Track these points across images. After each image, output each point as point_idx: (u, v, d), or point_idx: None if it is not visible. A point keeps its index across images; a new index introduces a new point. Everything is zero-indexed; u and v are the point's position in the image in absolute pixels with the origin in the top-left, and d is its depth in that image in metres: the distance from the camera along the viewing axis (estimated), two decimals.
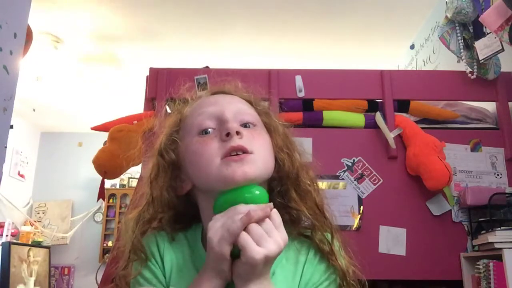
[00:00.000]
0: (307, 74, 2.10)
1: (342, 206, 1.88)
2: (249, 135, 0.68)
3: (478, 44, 1.99)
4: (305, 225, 0.73)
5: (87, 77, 4.37)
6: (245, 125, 0.71)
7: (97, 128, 2.08)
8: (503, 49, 1.94)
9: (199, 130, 0.70)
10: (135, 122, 2.02)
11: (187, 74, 2.12)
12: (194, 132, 0.70)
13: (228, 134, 0.66)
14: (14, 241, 4.78)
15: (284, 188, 0.73)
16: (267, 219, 0.60)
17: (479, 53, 1.97)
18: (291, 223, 0.72)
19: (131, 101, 3.63)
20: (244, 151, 0.65)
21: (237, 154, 0.65)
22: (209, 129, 0.69)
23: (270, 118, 0.78)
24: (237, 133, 0.66)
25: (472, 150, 2.01)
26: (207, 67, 2.33)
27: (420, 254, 1.85)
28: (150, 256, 0.71)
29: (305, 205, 0.72)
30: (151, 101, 2.14)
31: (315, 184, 0.75)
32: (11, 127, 1.03)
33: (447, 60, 2.65)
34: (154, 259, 0.71)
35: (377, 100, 2.10)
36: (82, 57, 3.97)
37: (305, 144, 0.82)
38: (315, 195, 0.74)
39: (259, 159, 0.67)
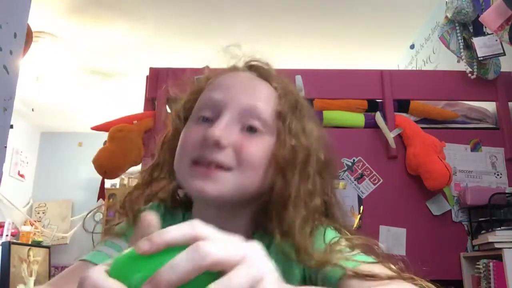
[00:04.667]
0: (307, 74, 2.10)
1: None
2: (238, 145, 0.58)
3: (477, 41, 1.99)
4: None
5: (87, 77, 4.37)
6: (248, 128, 0.60)
7: (97, 128, 2.08)
8: (504, 53, 1.94)
9: (198, 115, 0.62)
10: (135, 122, 2.02)
11: (187, 74, 2.12)
12: (195, 114, 0.63)
13: (207, 139, 0.56)
14: (14, 241, 4.78)
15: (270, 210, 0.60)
16: None
17: (478, 50, 1.97)
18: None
19: (131, 101, 3.63)
20: (218, 166, 0.56)
21: (207, 165, 0.56)
22: (209, 117, 0.61)
23: (296, 118, 0.63)
24: (218, 144, 0.56)
25: (472, 150, 2.01)
26: (207, 67, 2.32)
27: (420, 254, 1.85)
28: (131, 226, 0.65)
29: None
30: (151, 101, 2.14)
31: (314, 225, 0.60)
32: (11, 127, 1.03)
33: (447, 60, 2.65)
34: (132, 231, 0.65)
35: (377, 100, 2.10)
36: (81, 55, 3.97)
37: None
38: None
39: (236, 178, 0.57)
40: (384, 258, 0.56)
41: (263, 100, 0.62)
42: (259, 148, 0.59)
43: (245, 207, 0.62)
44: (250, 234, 0.64)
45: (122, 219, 0.68)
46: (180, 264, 0.28)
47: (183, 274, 0.28)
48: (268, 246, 0.60)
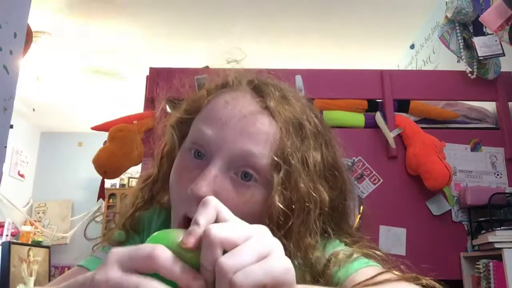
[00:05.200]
0: (307, 74, 2.10)
1: None
2: (226, 203, 0.45)
3: (477, 41, 1.99)
4: None
5: (87, 77, 4.37)
6: (242, 174, 0.53)
7: (97, 128, 2.08)
8: (503, 54, 1.95)
9: (189, 147, 0.56)
10: (135, 122, 2.02)
11: (187, 74, 2.11)
12: (187, 142, 0.58)
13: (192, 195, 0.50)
14: (14, 241, 4.78)
15: None
16: None
17: (478, 49, 1.98)
18: None
19: (131, 101, 3.63)
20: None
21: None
22: (200, 153, 0.55)
23: (297, 155, 0.55)
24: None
25: (472, 150, 2.01)
26: (207, 67, 2.33)
27: (420, 254, 1.85)
28: (132, 235, 0.65)
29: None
30: (151, 101, 2.14)
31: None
32: (11, 127, 1.03)
33: (447, 60, 2.65)
34: (133, 239, 0.66)
35: (377, 100, 2.10)
36: (81, 55, 3.97)
37: None
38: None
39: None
40: (386, 262, 0.55)
41: (260, 142, 0.53)
42: (251, 203, 0.53)
43: None
44: None
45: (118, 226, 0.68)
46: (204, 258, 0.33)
47: (206, 260, 0.32)
48: None
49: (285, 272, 0.33)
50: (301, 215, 0.54)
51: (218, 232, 0.32)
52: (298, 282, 0.44)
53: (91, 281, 0.33)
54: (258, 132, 0.54)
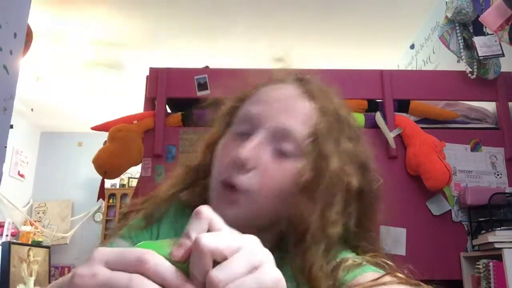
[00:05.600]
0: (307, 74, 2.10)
1: None
2: (264, 169, 0.56)
3: (478, 41, 1.99)
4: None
5: (87, 77, 4.37)
6: (280, 151, 0.58)
7: (97, 128, 2.08)
8: (503, 54, 1.95)
9: (234, 130, 0.62)
10: (135, 122, 2.02)
11: (187, 74, 2.12)
12: (233, 127, 0.63)
13: (235, 160, 0.56)
14: (14, 241, 4.78)
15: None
16: None
17: (479, 49, 1.98)
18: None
19: (131, 101, 3.63)
20: (240, 189, 0.55)
21: (232, 189, 0.56)
22: (243, 132, 0.60)
23: (331, 138, 0.59)
24: (243, 166, 0.56)
25: (472, 150, 2.01)
26: (207, 67, 2.33)
27: (420, 254, 1.85)
28: (151, 224, 0.65)
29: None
30: (151, 101, 2.14)
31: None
32: (11, 127, 1.03)
33: (447, 60, 2.65)
34: (152, 228, 0.65)
35: (377, 100, 2.10)
36: (81, 55, 3.97)
37: None
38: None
39: (254, 203, 0.56)
40: (392, 268, 0.56)
41: (300, 121, 0.59)
42: (286, 174, 0.57)
43: (262, 232, 0.57)
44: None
45: (128, 220, 0.66)
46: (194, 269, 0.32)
47: (196, 271, 0.32)
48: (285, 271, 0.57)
49: (276, 283, 0.32)
50: (330, 189, 0.56)
51: (208, 242, 0.31)
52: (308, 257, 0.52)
53: (73, 275, 0.32)
54: (299, 112, 0.60)
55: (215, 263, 0.31)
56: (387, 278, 0.50)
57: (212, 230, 0.34)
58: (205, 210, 0.35)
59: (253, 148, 0.56)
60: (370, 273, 0.53)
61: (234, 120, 0.63)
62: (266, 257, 0.34)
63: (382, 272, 0.54)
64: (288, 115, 0.59)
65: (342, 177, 0.57)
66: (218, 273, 0.30)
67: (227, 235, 0.34)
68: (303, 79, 0.66)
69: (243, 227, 0.55)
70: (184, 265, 0.32)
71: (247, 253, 0.32)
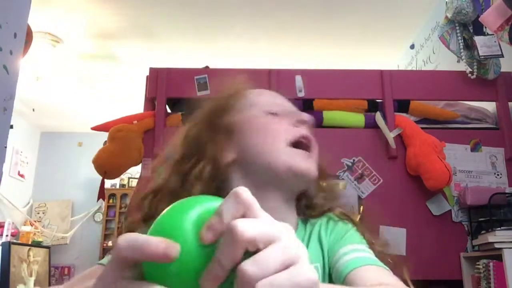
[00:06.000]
0: (307, 74, 2.10)
1: None
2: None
3: (478, 40, 1.99)
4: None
5: (87, 77, 4.37)
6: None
7: (97, 128, 2.08)
8: (502, 55, 1.95)
9: (267, 110, 0.69)
10: (135, 122, 2.02)
11: (187, 74, 2.12)
12: (259, 109, 0.70)
13: (303, 122, 0.68)
14: (14, 241, 4.78)
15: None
16: None
17: (479, 49, 1.98)
18: (306, 208, 0.72)
19: (131, 101, 3.63)
20: (311, 144, 0.68)
21: (306, 147, 0.67)
22: (278, 113, 0.69)
23: None
24: (312, 126, 0.69)
25: (472, 150, 2.01)
26: (207, 67, 2.33)
27: (420, 254, 1.85)
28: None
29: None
30: (151, 101, 2.14)
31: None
32: (11, 127, 1.03)
33: (447, 60, 2.65)
34: None
35: (377, 100, 2.10)
36: (81, 55, 3.97)
37: None
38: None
39: (316, 159, 0.68)
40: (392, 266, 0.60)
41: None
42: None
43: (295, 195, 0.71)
44: (295, 222, 0.70)
45: (133, 218, 0.67)
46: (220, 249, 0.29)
47: (225, 258, 0.29)
48: (309, 233, 0.68)
49: (311, 286, 0.30)
50: None
51: (246, 230, 0.29)
52: None
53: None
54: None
55: (246, 252, 0.29)
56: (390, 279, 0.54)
57: (248, 216, 0.31)
58: (245, 192, 0.32)
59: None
60: (373, 267, 0.57)
61: (258, 106, 0.71)
62: (302, 253, 0.31)
63: (384, 267, 0.58)
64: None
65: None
66: (251, 267, 0.28)
67: (265, 224, 0.30)
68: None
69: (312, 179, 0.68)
70: (208, 248, 0.30)
71: (283, 247, 0.30)
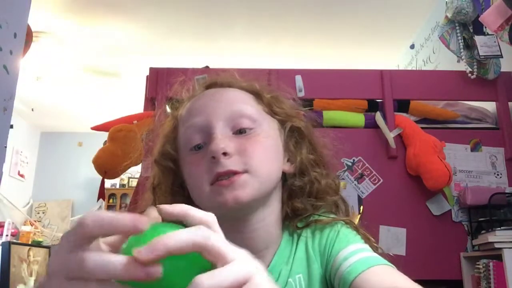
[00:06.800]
0: (307, 74, 2.10)
1: None
2: (241, 148, 0.60)
3: (478, 40, 1.99)
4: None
5: (87, 77, 4.37)
6: (239, 131, 0.62)
7: (97, 128, 2.08)
8: (501, 56, 1.95)
9: (190, 147, 0.63)
10: (135, 122, 2.02)
11: (187, 74, 2.12)
12: (186, 148, 0.64)
13: (214, 157, 0.59)
14: (14, 241, 4.78)
15: (296, 184, 0.68)
16: None
17: (480, 48, 1.98)
18: (290, 218, 0.67)
19: (131, 101, 3.62)
20: (234, 173, 0.58)
21: (227, 177, 0.58)
22: (200, 144, 0.62)
23: (281, 105, 0.71)
24: (225, 154, 0.58)
25: (472, 150, 2.01)
26: (207, 67, 2.33)
27: (420, 254, 1.85)
28: None
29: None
30: (151, 101, 2.14)
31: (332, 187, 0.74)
32: (11, 127, 1.03)
33: (447, 60, 2.65)
34: None
35: (377, 100, 2.10)
36: (82, 67, 3.97)
37: None
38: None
39: (255, 175, 0.59)
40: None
41: (241, 97, 0.66)
42: (261, 142, 0.62)
43: (270, 205, 0.65)
44: (278, 235, 0.67)
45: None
46: (182, 234, 0.30)
47: (182, 243, 0.30)
48: (296, 242, 0.66)
49: None
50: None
51: (214, 237, 0.32)
52: None
53: None
54: (239, 94, 0.67)
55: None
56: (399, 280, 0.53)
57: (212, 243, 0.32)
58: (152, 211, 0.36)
59: (222, 138, 0.59)
60: (379, 268, 0.56)
61: (181, 144, 0.66)
62: (258, 270, 0.32)
63: (389, 265, 0.57)
64: (230, 102, 0.64)
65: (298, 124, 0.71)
66: (205, 279, 0.29)
67: (227, 244, 0.32)
68: (213, 83, 0.71)
69: (255, 207, 0.61)
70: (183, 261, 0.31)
71: (240, 265, 0.31)
